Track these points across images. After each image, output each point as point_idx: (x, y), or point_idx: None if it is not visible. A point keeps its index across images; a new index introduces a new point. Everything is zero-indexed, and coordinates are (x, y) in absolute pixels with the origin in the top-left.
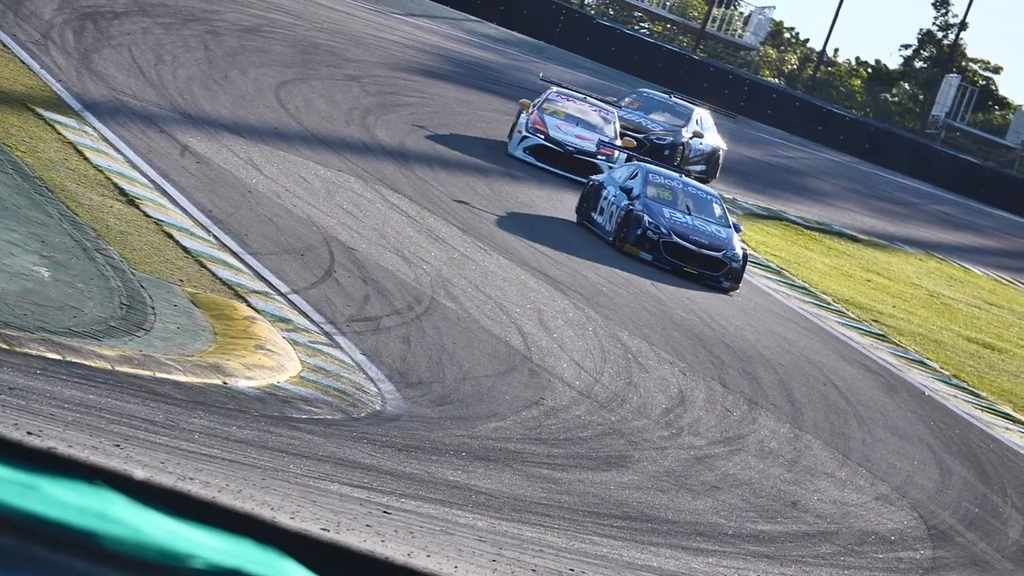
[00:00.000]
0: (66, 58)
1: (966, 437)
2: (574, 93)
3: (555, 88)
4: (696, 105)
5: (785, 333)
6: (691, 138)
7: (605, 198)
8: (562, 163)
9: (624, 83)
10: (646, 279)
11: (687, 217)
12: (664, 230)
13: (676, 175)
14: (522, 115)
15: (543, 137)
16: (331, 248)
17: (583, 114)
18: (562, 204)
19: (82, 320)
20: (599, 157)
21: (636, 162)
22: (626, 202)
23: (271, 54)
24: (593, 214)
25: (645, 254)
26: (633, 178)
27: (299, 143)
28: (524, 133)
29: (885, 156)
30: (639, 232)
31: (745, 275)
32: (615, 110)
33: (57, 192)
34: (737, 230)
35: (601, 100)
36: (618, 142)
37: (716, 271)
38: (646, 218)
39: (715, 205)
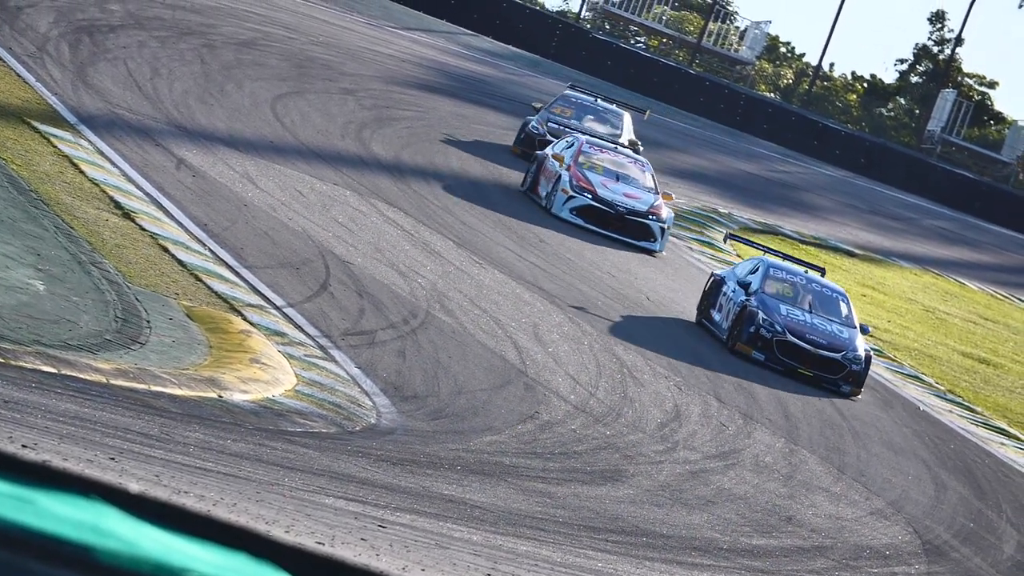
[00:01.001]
0: (62, 71)
1: (961, 452)
2: (604, 143)
3: (584, 136)
4: (618, 107)
5: None
6: (628, 147)
7: (724, 294)
8: (613, 225)
9: (620, 98)
10: (640, 293)
11: (807, 315)
12: (779, 328)
13: (800, 270)
14: (547, 161)
15: (591, 197)
16: (327, 262)
17: (620, 167)
18: (558, 218)
19: (77, 333)
20: (650, 217)
21: (762, 256)
22: (743, 298)
23: (267, 68)
24: (712, 311)
25: (757, 353)
26: (754, 272)
27: (295, 157)
28: (570, 192)
29: (881, 171)
30: (752, 330)
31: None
32: (643, 159)
33: (52, 205)
34: (864, 332)
35: (628, 150)
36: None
37: (834, 374)
38: (760, 315)
39: (842, 303)
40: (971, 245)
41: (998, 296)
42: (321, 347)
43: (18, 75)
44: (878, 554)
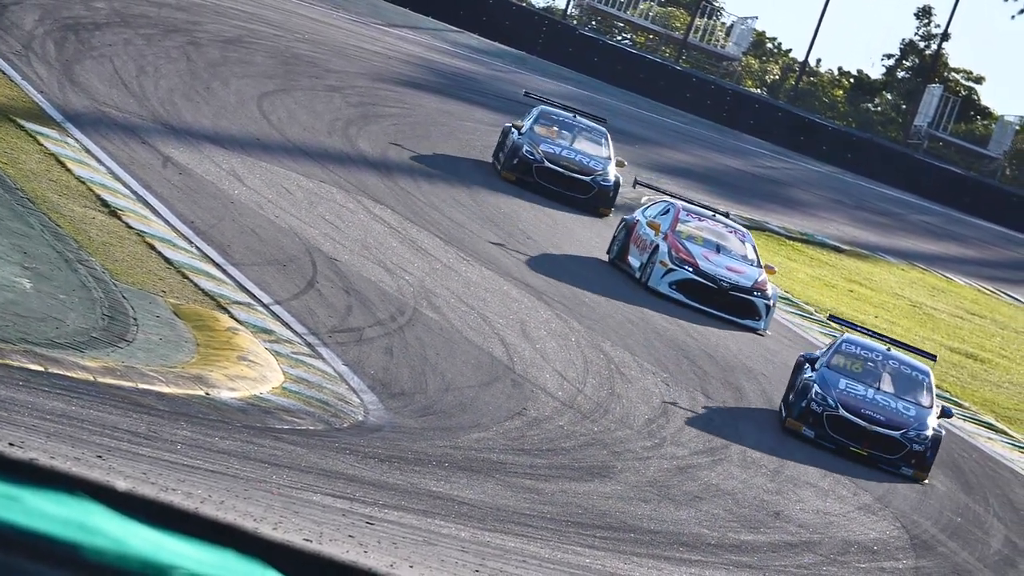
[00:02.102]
0: (48, 69)
1: (948, 447)
2: (702, 210)
3: (680, 202)
4: (594, 122)
5: (767, 343)
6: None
7: (804, 371)
8: (715, 301)
9: (607, 94)
10: (626, 290)
11: (869, 390)
12: (831, 402)
13: (882, 348)
14: (640, 228)
15: (692, 270)
16: (313, 259)
17: (720, 237)
18: (543, 214)
19: (64, 331)
20: (756, 294)
21: (846, 334)
22: (809, 373)
23: (253, 65)
24: (791, 395)
25: (807, 430)
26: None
27: (281, 154)
28: (669, 265)
29: (867, 166)
30: (803, 404)
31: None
32: (742, 228)
33: (39, 203)
34: (947, 415)
35: (725, 216)
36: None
37: (892, 453)
38: (815, 388)
39: (925, 385)
40: (958, 240)
41: (985, 291)
42: (308, 344)
43: (3, 73)
44: (866, 549)
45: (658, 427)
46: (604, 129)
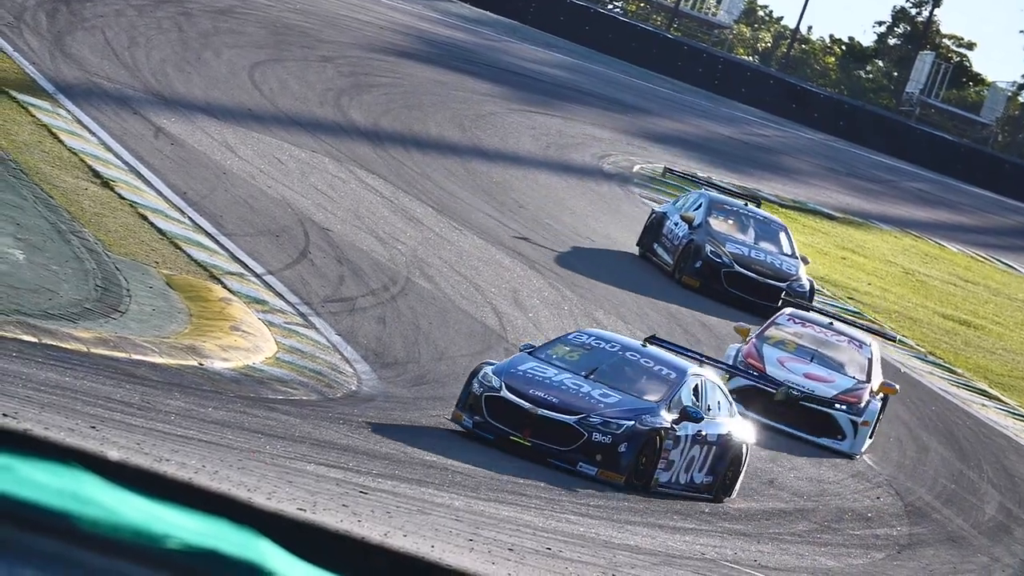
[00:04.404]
0: (39, 40)
1: (942, 414)
2: (816, 317)
3: (713, 192)
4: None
5: (759, 310)
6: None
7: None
8: (782, 414)
9: (598, 63)
10: (623, 258)
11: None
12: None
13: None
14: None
15: (756, 376)
16: (306, 229)
17: (825, 347)
18: (536, 183)
19: (57, 302)
20: (838, 407)
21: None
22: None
23: (244, 35)
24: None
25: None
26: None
27: (273, 124)
28: (732, 372)
29: (859, 134)
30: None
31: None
32: (871, 341)
33: (31, 175)
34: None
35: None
36: (874, 384)
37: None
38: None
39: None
40: (951, 207)
41: (978, 258)
42: (301, 314)
43: None
44: (860, 516)
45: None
46: (782, 221)
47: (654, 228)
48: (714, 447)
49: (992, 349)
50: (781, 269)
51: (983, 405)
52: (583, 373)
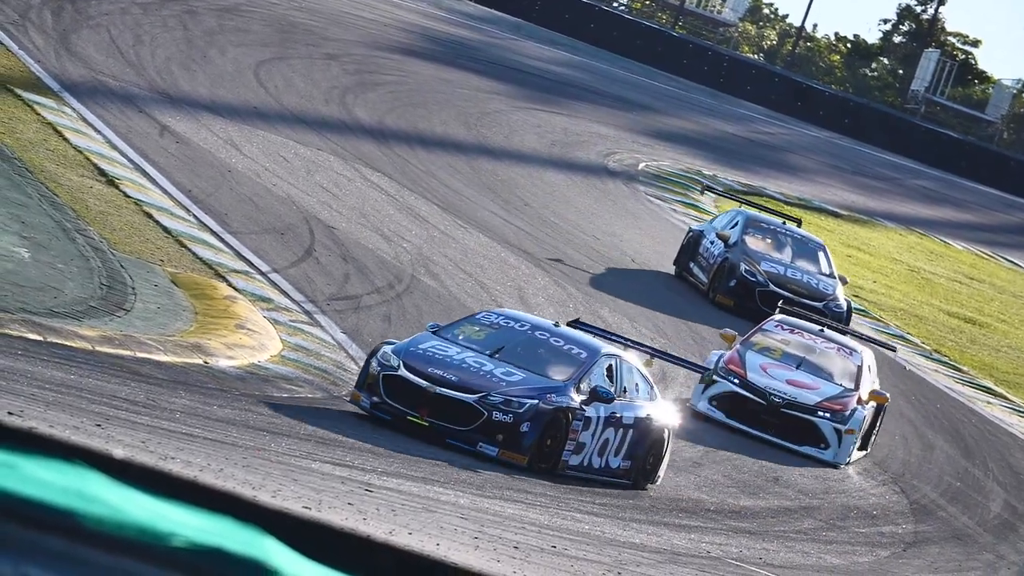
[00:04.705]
0: (44, 38)
1: (948, 412)
2: (806, 324)
3: (777, 316)
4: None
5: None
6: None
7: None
8: (763, 420)
9: (603, 60)
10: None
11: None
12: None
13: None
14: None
15: (737, 382)
16: (311, 227)
17: (813, 354)
18: (541, 181)
19: (62, 300)
20: (821, 414)
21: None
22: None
23: (250, 33)
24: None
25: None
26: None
27: (278, 122)
28: (714, 377)
29: (865, 131)
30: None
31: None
32: (863, 349)
33: (36, 173)
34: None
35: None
36: (863, 392)
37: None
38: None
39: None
40: (956, 205)
41: (983, 255)
42: (307, 312)
43: (0, 43)
44: (865, 514)
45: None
46: (820, 240)
47: (691, 247)
48: (631, 430)
49: (997, 347)
50: (817, 288)
51: (988, 403)
52: (488, 352)
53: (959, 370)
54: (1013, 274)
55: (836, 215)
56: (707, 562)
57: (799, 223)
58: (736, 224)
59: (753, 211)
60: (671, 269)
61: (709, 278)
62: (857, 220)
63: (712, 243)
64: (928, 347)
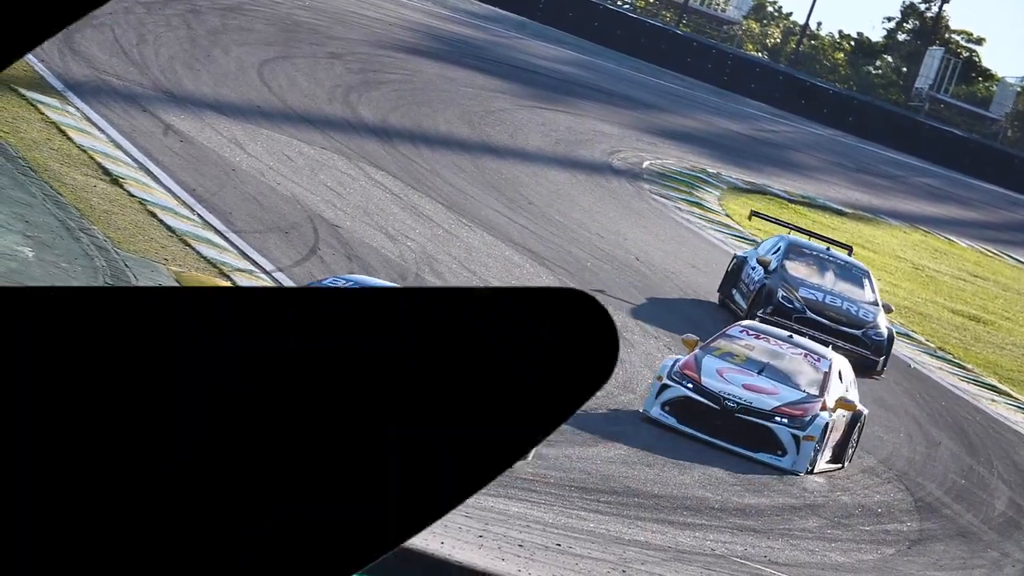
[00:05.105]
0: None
1: (952, 409)
2: (774, 330)
3: (743, 322)
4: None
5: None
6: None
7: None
8: (716, 426)
9: (608, 59)
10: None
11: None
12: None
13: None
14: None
15: (691, 387)
16: (315, 226)
17: (778, 359)
18: (545, 179)
19: None
20: (778, 419)
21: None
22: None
23: (253, 32)
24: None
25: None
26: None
27: (282, 121)
28: (665, 380)
29: (869, 129)
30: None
31: (725, 248)
32: (833, 356)
33: (40, 172)
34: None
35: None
36: (829, 399)
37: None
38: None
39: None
40: (960, 202)
41: (987, 253)
42: None
43: None
44: (870, 512)
45: None
46: (866, 267)
47: (734, 274)
48: None
49: (1002, 344)
50: (857, 316)
51: (993, 400)
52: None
53: (963, 368)
54: (1018, 271)
55: (840, 213)
56: (712, 560)
57: (850, 250)
58: (778, 250)
59: (797, 236)
60: (676, 270)
61: (748, 304)
62: (861, 218)
63: (753, 269)
64: (932, 345)
